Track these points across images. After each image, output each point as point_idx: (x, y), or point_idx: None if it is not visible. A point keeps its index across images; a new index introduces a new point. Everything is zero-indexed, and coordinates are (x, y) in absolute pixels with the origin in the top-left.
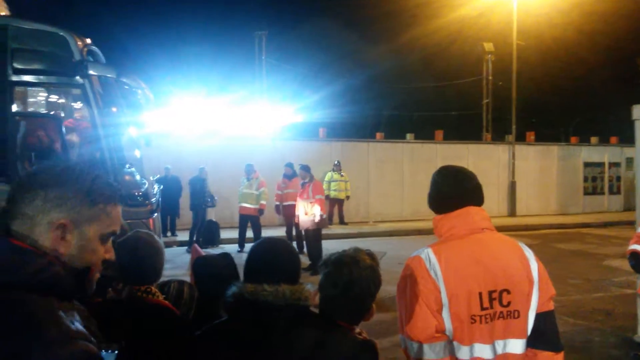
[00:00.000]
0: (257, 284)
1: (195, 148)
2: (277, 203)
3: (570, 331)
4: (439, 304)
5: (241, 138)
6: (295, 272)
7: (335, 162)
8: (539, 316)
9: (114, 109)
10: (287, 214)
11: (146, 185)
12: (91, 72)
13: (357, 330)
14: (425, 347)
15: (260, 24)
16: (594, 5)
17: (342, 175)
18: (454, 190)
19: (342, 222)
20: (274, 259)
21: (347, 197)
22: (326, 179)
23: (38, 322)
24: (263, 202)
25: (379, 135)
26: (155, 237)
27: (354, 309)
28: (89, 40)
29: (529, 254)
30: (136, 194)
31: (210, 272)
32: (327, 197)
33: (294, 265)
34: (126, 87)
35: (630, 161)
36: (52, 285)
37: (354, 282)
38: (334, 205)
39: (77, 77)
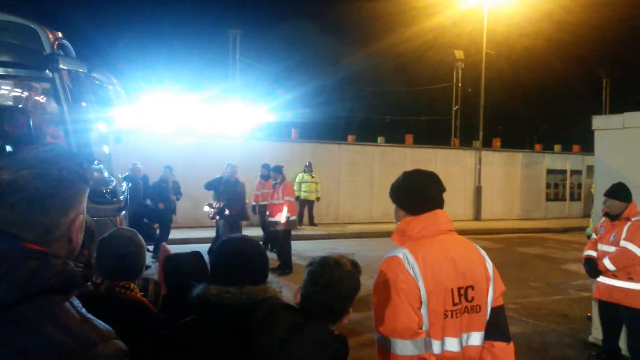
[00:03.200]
0: (220, 285)
1: (166, 146)
2: (254, 203)
3: (530, 332)
4: (419, 302)
5: (213, 137)
6: (260, 273)
7: (307, 164)
8: (493, 310)
9: (84, 104)
10: (264, 214)
11: (114, 183)
12: (61, 66)
13: (333, 328)
14: (409, 343)
15: (234, 22)
16: (563, 15)
17: (312, 177)
18: (428, 193)
19: (312, 223)
20: (238, 260)
21: (318, 199)
22: (297, 179)
23: (74, 325)
24: (247, 201)
25: (350, 137)
26: (138, 235)
27: (331, 308)
28: (60, 34)
29: (484, 253)
30: (104, 191)
31: (178, 268)
32: (298, 198)
33: (260, 265)
34: (97, 82)
35: (590, 169)
36: (71, 285)
37: (333, 282)
38: (304, 206)
39: (47, 71)
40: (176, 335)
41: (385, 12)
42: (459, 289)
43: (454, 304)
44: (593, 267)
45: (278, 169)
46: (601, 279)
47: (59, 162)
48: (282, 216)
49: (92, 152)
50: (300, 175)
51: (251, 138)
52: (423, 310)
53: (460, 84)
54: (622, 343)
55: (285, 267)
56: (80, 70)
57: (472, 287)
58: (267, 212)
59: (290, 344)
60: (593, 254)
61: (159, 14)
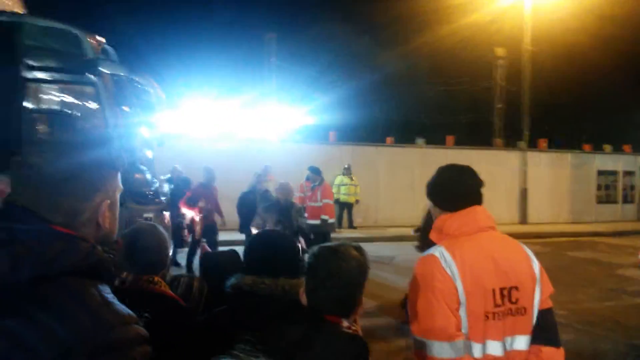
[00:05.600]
0: (256, 276)
1: (206, 150)
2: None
3: (581, 339)
4: (457, 302)
5: (251, 141)
6: (295, 266)
7: (346, 166)
8: (541, 313)
9: (126, 108)
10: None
11: (157, 184)
12: (103, 69)
13: (346, 324)
14: (446, 345)
15: (270, 26)
16: (609, 9)
17: (352, 179)
18: (463, 188)
19: (351, 226)
20: (274, 252)
21: (357, 201)
22: (336, 182)
23: (95, 307)
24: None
25: (389, 139)
26: (160, 228)
27: (338, 301)
28: (102, 39)
29: (530, 252)
30: (147, 192)
31: (216, 265)
32: (337, 200)
33: (294, 259)
34: (138, 86)
35: None
36: (99, 269)
37: (333, 272)
38: (344, 209)
39: (89, 75)
40: (209, 323)
41: (421, 10)
42: (502, 289)
43: (496, 306)
44: None
45: (316, 171)
46: None
47: (85, 147)
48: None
49: (135, 154)
50: (339, 177)
51: (289, 141)
52: (462, 312)
53: (502, 83)
54: None
55: None
56: (122, 74)
57: (517, 288)
58: (306, 214)
59: (304, 350)
60: None
61: (198, 21)
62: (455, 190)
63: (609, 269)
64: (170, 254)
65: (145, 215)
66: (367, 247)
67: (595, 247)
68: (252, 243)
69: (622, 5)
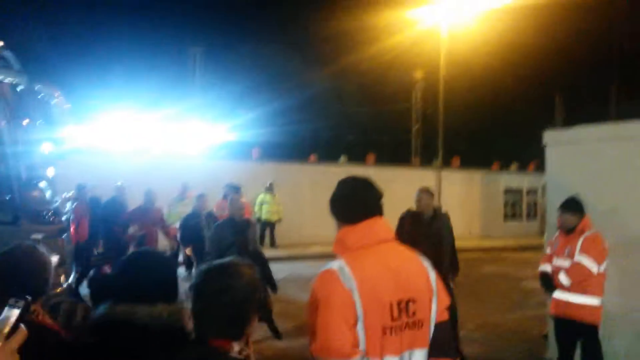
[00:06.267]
0: (129, 304)
1: (121, 165)
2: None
3: (487, 351)
4: (355, 317)
5: (172, 156)
6: (173, 289)
7: (268, 184)
8: (437, 325)
9: (26, 120)
10: None
11: (57, 203)
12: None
13: (237, 348)
14: None
15: (196, 40)
16: (517, 37)
17: (274, 197)
18: (361, 200)
19: (273, 244)
20: (148, 275)
21: (279, 220)
22: (258, 200)
23: None
24: None
25: (312, 157)
26: (41, 249)
27: (227, 321)
28: (0, 43)
29: (427, 264)
30: (45, 211)
31: (106, 290)
32: (259, 219)
33: (172, 281)
34: (40, 95)
35: (546, 188)
36: None
37: (222, 290)
38: (266, 228)
39: None
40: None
41: (347, 31)
42: (399, 302)
43: (394, 319)
44: (548, 282)
45: (234, 188)
46: (556, 294)
47: None
48: None
49: (33, 171)
50: (261, 196)
51: (211, 158)
52: (359, 327)
53: (419, 104)
54: None
55: None
56: (20, 82)
57: (414, 300)
58: None
59: None
60: (548, 268)
61: (119, 31)
62: (353, 203)
63: (514, 282)
64: (70, 280)
65: (34, 236)
66: (289, 266)
67: (503, 261)
68: (122, 266)
69: (530, 33)
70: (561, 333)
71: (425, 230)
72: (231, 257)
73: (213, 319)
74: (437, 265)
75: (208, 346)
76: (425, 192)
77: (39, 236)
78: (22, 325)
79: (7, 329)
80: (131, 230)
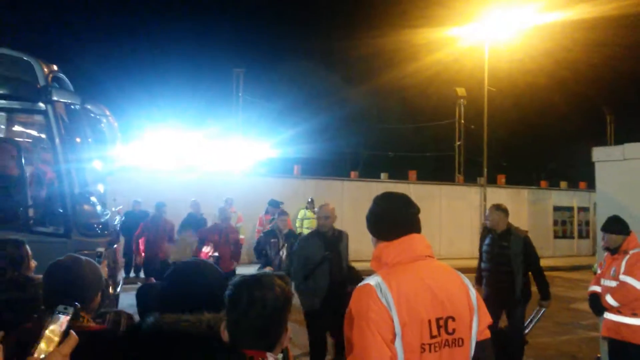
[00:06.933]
0: (176, 313)
1: (167, 183)
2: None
3: None
4: (393, 334)
5: (216, 173)
6: (219, 297)
7: (309, 200)
8: (478, 344)
9: (78, 138)
10: None
11: (107, 216)
12: (55, 97)
13: (271, 359)
14: None
15: (238, 60)
16: (563, 53)
17: (315, 213)
18: (400, 217)
19: None
20: (195, 284)
21: None
22: (299, 216)
23: None
24: (242, 236)
25: (353, 174)
26: (92, 261)
27: (260, 332)
28: (55, 67)
29: (467, 281)
30: (95, 224)
31: (153, 300)
32: (300, 234)
33: (218, 289)
34: (92, 115)
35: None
36: None
37: (256, 301)
38: None
39: (40, 103)
40: None
41: (387, 49)
42: (438, 319)
43: (432, 337)
44: (597, 303)
45: (275, 204)
46: (607, 315)
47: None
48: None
49: (85, 185)
50: (302, 211)
51: (253, 174)
52: (397, 344)
53: (462, 120)
54: None
55: None
56: (74, 102)
57: (453, 318)
58: None
59: None
60: (598, 289)
61: (165, 53)
62: (390, 219)
63: (565, 303)
64: (118, 290)
65: (99, 249)
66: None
67: (552, 282)
68: (170, 275)
69: (577, 49)
70: (614, 356)
71: (493, 249)
72: (264, 271)
73: (246, 330)
74: (499, 283)
75: (243, 356)
76: (495, 208)
77: (101, 249)
78: (72, 332)
79: (58, 336)
80: (205, 249)
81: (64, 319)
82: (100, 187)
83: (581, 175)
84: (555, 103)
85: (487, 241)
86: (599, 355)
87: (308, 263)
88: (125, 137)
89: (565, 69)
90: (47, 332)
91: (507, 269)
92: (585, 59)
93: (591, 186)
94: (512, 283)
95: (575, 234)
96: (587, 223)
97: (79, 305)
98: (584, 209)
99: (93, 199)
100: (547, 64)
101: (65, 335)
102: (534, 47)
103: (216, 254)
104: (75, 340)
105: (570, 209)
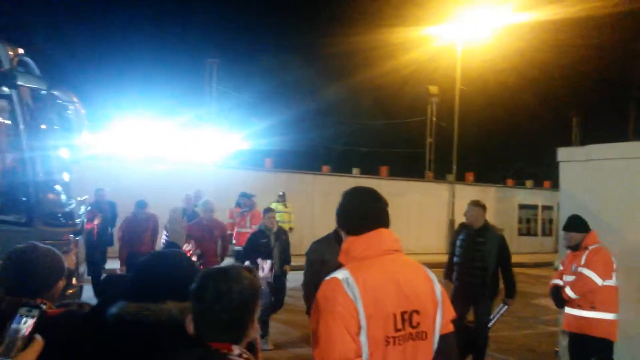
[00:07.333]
0: (140, 302)
1: (137, 172)
2: (229, 232)
3: None
4: (358, 327)
5: (186, 164)
6: (186, 287)
7: (280, 193)
8: (442, 337)
9: (43, 125)
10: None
11: (72, 206)
12: (20, 82)
13: (237, 351)
14: None
15: (212, 51)
16: (534, 54)
17: (286, 207)
18: (369, 211)
19: None
20: (162, 273)
21: (291, 229)
22: None
23: None
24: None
25: (325, 168)
26: (54, 250)
27: (227, 325)
28: (21, 50)
29: (433, 276)
30: (59, 213)
31: (115, 290)
32: (291, 229)
33: (185, 279)
34: (59, 101)
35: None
36: None
37: (223, 293)
38: None
39: (4, 88)
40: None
41: (362, 47)
42: (403, 313)
43: (397, 330)
44: (558, 295)
45: (246, 196)
46: (567, 310)
47: None
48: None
49: (49, 173)
50: (273, 204)
51: (224, 166)
52: (362, 337)
53: (434, 118)
54: None
55: None
56: (41, 88)
57: (418, 312)
58: (234, 241)
59: None
60: (559, 282)
61: (137, 41)
62: (358, 214)
63: (527, 299)
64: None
65: (66, 237)
66: (299, 275)
67: (516, 278)
68: (139, 265)
69: (546, 50)
70: (574, 348)
71: (469, 244)
72: (233, 264)
73: (211, 322)
74: (470, 277)
75: (208, 348)
76: (474, 204)
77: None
78: (37, 336)
79: (20, 342)
80: (186, 247)
81: (29, 322)
82: (66, 176)
83: (546, 174)
84: (524, 103)
85: (461, 236)
86: (557, 349)
87: (321, 269)
88: (93, 125)
89: (535, 68)
90: (8, 337)
91: (481, 264)
92: (554, 60)
93: (555, 185)
94: (484, 278)
95: (539, 231)
96: (551, 221)
97: (44, 307)
98: (548, 208)
99: (58, 187)
100: (518, 64)
101: (29, 340)
102: (506, 46)
103: (198, 251)
104: (40, 345)
105: (534, 207)
